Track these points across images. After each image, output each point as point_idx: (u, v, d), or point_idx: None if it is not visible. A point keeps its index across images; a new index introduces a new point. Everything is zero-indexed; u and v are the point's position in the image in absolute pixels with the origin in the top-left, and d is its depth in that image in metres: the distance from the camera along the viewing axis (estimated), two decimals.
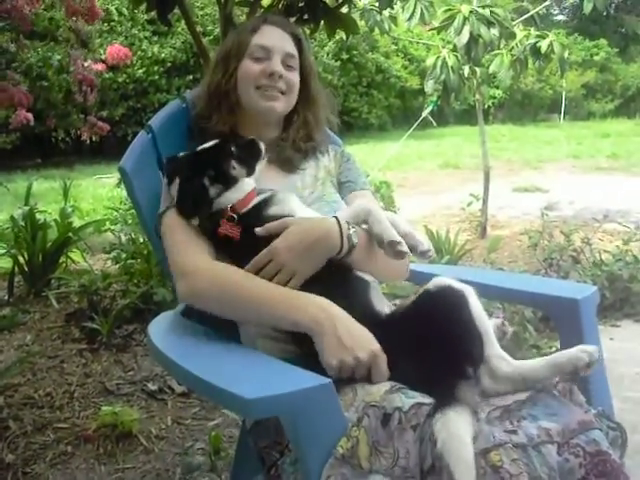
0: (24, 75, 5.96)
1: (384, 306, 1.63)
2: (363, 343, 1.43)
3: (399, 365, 1.42)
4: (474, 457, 1.21)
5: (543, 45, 5.64)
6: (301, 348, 1.51)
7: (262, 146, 1.77)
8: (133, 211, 4.30)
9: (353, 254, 1.62)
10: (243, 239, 1.62)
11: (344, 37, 3.31)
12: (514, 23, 5.80)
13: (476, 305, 1.44)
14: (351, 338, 1.42)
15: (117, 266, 4.51)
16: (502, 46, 5.75)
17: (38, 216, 4.95)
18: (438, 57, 5.52)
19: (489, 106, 23.06)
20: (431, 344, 1.41)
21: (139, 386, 3.33)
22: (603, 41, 28.67)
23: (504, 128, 20.94)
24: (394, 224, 1.68)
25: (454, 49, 5.45)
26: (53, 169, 12.27)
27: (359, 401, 1.36)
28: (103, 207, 7.20)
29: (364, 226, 1.66)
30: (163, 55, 14.81)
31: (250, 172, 1.73)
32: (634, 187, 9.74)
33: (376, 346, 1.43)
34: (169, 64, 14.92)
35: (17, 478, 2.57)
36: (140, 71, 14.54)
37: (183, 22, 3.12)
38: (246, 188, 1.70)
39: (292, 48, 1.89)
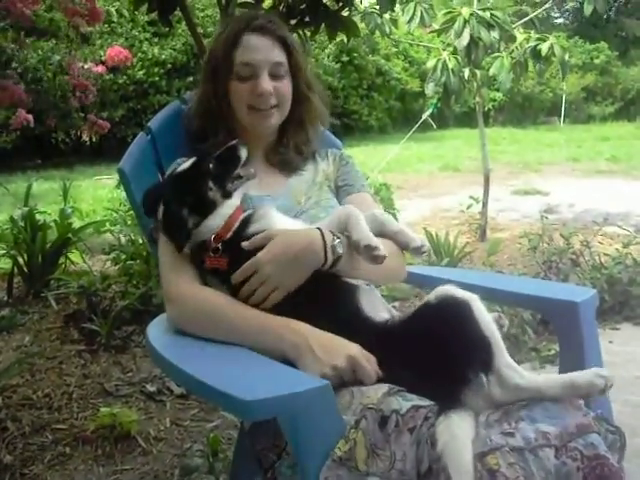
0: (20, 76, 5.95)
1: (379, 310, 1.62)
2: (337, 351, 1.44)
3: (399, 372, 1.42)
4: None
5: (543, 48, 5.64)
6: None
7: (242, 152, 1.72)
8: (132, 212, 4.30)
9: (339, 264, 1.61)
10: (232, 264, 1.60)
11: (345, 39, 3.31)
12: (514, 26, 5.80)
13: (482, 313, 1.42)
14: (324, 351, 1.43)
15: (116, 267, 4.51)
16: (502, 49, 5.76)
17: (38, 217, 4.96)
18: (438, 60, 5.52)
19: (489, 109, 23.05)
20: (434, 353, 1.40)
21: (138, 387, 3.33)
22: (603, 44, 28.66)
23: (504, 131, 20.94)
24: (385, 223, 1.69)
25: (454, 52, 5.45)
26: (53, 170, 12.27)
27: (356, 404, 1.36)
28: (103, 208, 7.20)
29: (346, 233, 1.64)
30: (163, 56, 14.80)
31: (226, 193, 1.68)
32: (634, 190, 9.73)
33: (353, 350, 1.44)
34: (169, 66, 14.90)
35: (15, 479, 2.57)
36: (140, 72, 14.53)
37: (184, 23, 3.13)
38: (226, 212, 1.66)
39: (279, 55, 1.83)
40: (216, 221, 1.64)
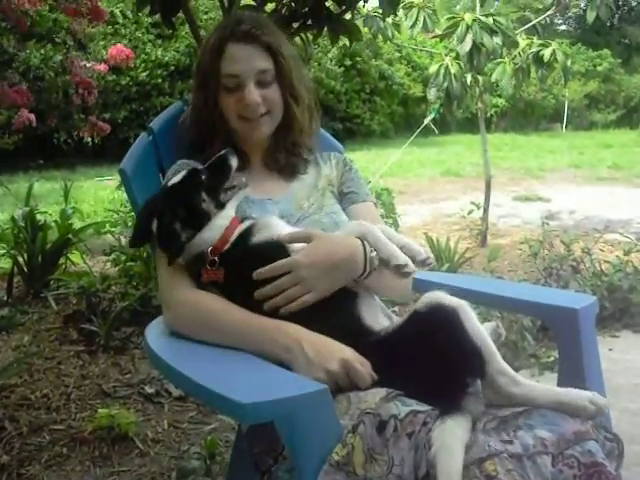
0: (22, 76, 5.96)
1: (378, 316, 1.62)
2: (331, 354, 1.43)
3: (395, 379, 1.41)
4: (469, 467, 1.21)
5: (546, 54, 5.65)
6: None
7: (232, 161, 1.70)
8: (133, 214, 4.30)
9: (371, 276, 1.61)
10: (229, 276, 1.59)
11: (347, 43, 3.31)
12: (517, 32, 5.81)
13: (470, 320, 1.41)
14: (317, 354, 1.43)
15: (116, 268, 4.50)
16: (505, 55, 5.77)
17: (38, 217, 4.96)
18: (441, 65, 5.53)
19: (491, 115, 23.07)
20: (426, 360, 1.39)
21: (136, 389, 3.33)
22: (606, 51, 28.71)
23: (506, 137, 20.97)
24: (390, 238, 1.68)
25: (457, 57, 5.46)
26: (55, 170, 12.29)
27: (354, 409, 1.36)
28: (104, 209, 7.21)
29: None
30: (166, 58, 14.83)
31: (219, 204, 1.66)
32: (635, 198, 9.74)
33: (346, 354, 1.44)
34: (172, 68, 14.93)
35: (12, 479, 2.57)
36: (143, 74, 14.55)
37: (187, 26, 3.12)
38: (221, 223, 1.64)
39: (264, 62, 1.79)
40: (212, 233, 1.62)
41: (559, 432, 1.27)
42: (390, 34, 6.00)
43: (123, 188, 2.08)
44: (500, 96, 20.26)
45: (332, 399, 1.30)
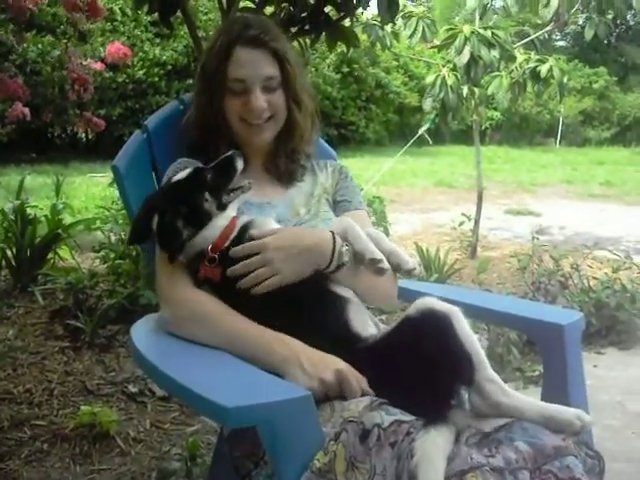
0: (19, 69, 5.93)
1: (367, 324, 1.62)
2: (326, 365, 1.44)
3: (383, 387, 1.41)
4: (450, 479, 1.20)
5: (543, 69, 5.68)
6: None
7: (238, 163, 1.70)
8: (124, 212, 4.29)
9: (341, 272, 1.63)
10: (225, 275, 1.59)
11: (345, 50, 3.32)
12: (515, 46, 5.84)
13: (462, 326, 1.42)
14: (312, 365, 1.44)
15: (105, 266, 4.49)
16: (502, 68, 5.79)
17: (29, 211, 4.93)
18: (438, 75, 5.54)
19: (486, 127, 23.12)
20: (416, 368, 1.39)
21: (120, 387, 3.31)
22: (603, 69, 28.85)
23: (500, 150, 21.03)
24: (378, 242, 1.70)
25: (454, 68, 5.48)
26: (47, 165, 12.24)
27: (337, 417, 1.36)
28: (95, 206, 7.18)
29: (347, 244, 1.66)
30: (164, 57, 14.80)
31: (221, 205, 1.65)
32: (626, 215, 9.79)
33: (340, 365, 1.44)
34: (170, 67, 14.91)
35: None
36: (140, 72, 14.53)
37: (186, 26, 3.12)
38: (222, 223, 1.64)
39: (271, 68, 1.79)
40: (213, 232, 1.62)
41: (538, 446, 1.27)
42: (388, 42, 6.01)
43: (115, 185, 2.08)
44: (495, 109, 20.33)
45: (315, 406, 1.30)
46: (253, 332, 1.53)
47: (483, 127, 21.47)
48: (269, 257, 1.56)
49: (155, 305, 3.56)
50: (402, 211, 9.30)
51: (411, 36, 5.62)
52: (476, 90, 5.87)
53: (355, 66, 19.53)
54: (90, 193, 9.24)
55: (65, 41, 5.54)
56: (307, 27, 2.99)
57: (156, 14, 3.04)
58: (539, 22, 6.23)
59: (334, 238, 1.63)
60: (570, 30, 33.41)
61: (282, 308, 1.56)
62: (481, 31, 5.20)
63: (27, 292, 4.50)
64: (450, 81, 5.47)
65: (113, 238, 4.69)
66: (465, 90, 5.68)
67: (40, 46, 6.77)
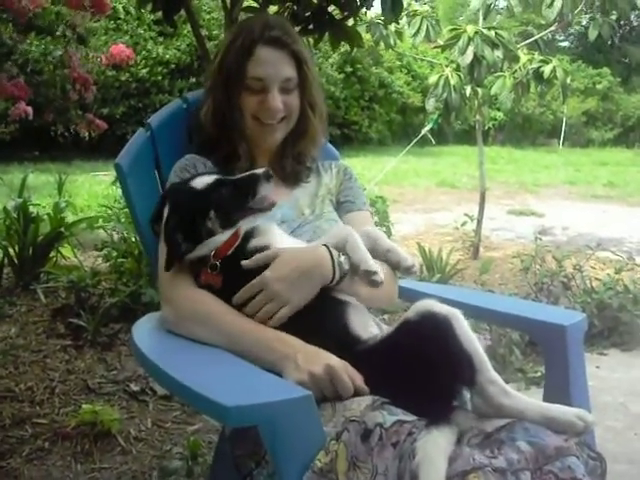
0: (20, 68, 5.91)
1: (368, 326, 1.61)
2: (317, 360, 1.43)
3: (384, 389, 1.41)
4: (452, 479, 1.20)
5: (546, 70, 5.67)
6: None
7: (262, 187, 1.63)
8: (127, 210, 4.29)
9: (344, 281, 1.62)
10: (227, 283, 1.59)
11: (348, 49, 3.31)
12: (519, 46, 5.83)
13: (462, 328, 1.41)
14: (305, 359, 1.43)
15: (107, 264, 4.50)
16: (505, 68, 5.79)
17: (31, 209, 4.94)
18: (441, 75, 5.54)
19: (489, 128, 23.11)
20: (417, 370, 1.39)
21: (121, 386, 3.32)
22: (606, 70, 28.81)
23: (503, 150, 21.02)
24: (377, 240, 1.69)
25: (457, 68, 5.48)
26: (50, 163, 12.24)
27: (338, 416, 1.36)
28: (97, 204, 7.18)
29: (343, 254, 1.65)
30: (167, 56, 14.79)
31: (229, 223, 1.62)
32: (629, 216, 9.78)
33: (332, 361, 1.43)
34: (173, 65, 14.90)
35: None
36: (144, 71, 14.52)
37: (189, 24, 3.12)
38: (224, 238, 1.62)
39: (290, 70, 1.81)
40: (214, 244, 1.61)
41: (540, 446, 1.27)
42: (392, 42, 6.01)
43: (118, 183, 2.08)
44: (499, 109, 20.30)
45: (316, 406, 1.29)
46: (254, 331, 1.53)
47: (486, 127, 21.46)
48: (273, 291, 1.55)
49: (157, 304, 3.54)
50: (405, 211, 9.29)
51: (415, 35, 5.63)
52: (479, 90, 5.86)
53: (358, 66, 19.52)
54: (93, 191, 9.24)
55: (65, 42, 5.53)
56: (310, 26, 2.98)
57: (160, 13, 3.04)
58: (543, 22, 6.22)
59: (330, 251, 1.61)
60: (574, 30, 33.39)
61: None
62: (485, 31, 5.20)
63: (29, 290, 4.51)
64: (453, 81, 5.46)
65: (115, 236, 4.69)
66: (468, 90, 5.67)
67: (43, 46, 6.75)
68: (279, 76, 1.79)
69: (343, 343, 1.51)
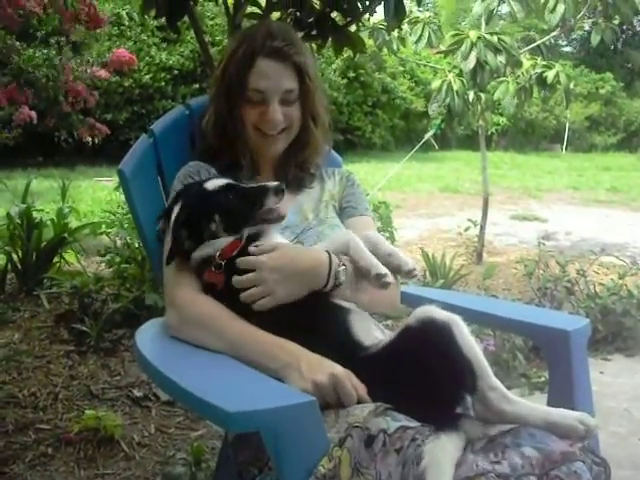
0: (14, 77, 5.91)
1: (370, 331, 1.60)
2: (321, 368, 1.43)
3: (387, 396, 1.40)
4: None
5: (549, 75, 5.67)
6: None
7: (269, 200, 1.64)
8: (130, 216, 4.30)
9: (338, 290, 1.62)
10: (229, 284, 1.58)
11: (351, 55, 3.31)
12: (521, 52, 5.84)
13: (462, 334, 1.40)
14: (308, 368, 1.43)
15: (110, 270, 4.49)
16: (508, 74, 5.79)
17: (35, 215, 4.95)
18: (444, 81, 5.54)
19: (492, 133, 23.12)
20: (418, 377, 1.38)
21: (124, 392, 3.31)
22: (609, 75, 28.82)
23: (506, 155, 21.04)
24: (377, 245, 1.69)
25: (460, 74, 5.48)
26: (53, 168, 12.28)
27: (341, 422, 1.35)
28: (101, 210, 7.19)
29: (345, 258, 1.65)
30: (171, 62, 14.84)
31: (233, 229, 1.63)
32: (632, 221, 9.77)
33: (336, 369, 1.43)
34: (176, 71, 14.95)
35: None
36: (147, 77, 14.56)
37: (193, 31, 3.12)
38: (227, 241, 1.62)
39: (291, 82, 1.80)
40: (218, 245, 1.62)
41: (546, 452, 1.26)
42: (395, 48, 6.02)
43: (121, 189, 2.08)
44: (502, 115, 20.30)
45: (319, 412, 1.29)
46: (256, 338, 1.52)
47: (489, 132, 21.49)
48: (263, 277, 1.55)
49: (160, 309, 3.56)
50: (408, 216, 9.30)
51: (417, 41, 5.64)
52: (482, 95, 5.87)
53: (361, 71, 19.56)
54: (96, 197, 9.26)
55: (59, 51, 5.54)
56: (314, 32, 2.98)
57: (163, 19, 3.04)
58: (545, 27, 6.24)
59: (330, 259, 1.62)
60: (576, 35, 33.43)
61: (283, 320, 1.55)
62: (487, 36, 5.20)
63: (33, 296, 4.51)
64: (456, 86, 5.47)
65: (119, 242, 4.69)
66: (471, 95, 5.68)
67: (37, 54, 6.77)
68: (280, 88, 1.79)
69: (345, 350, 1.50)
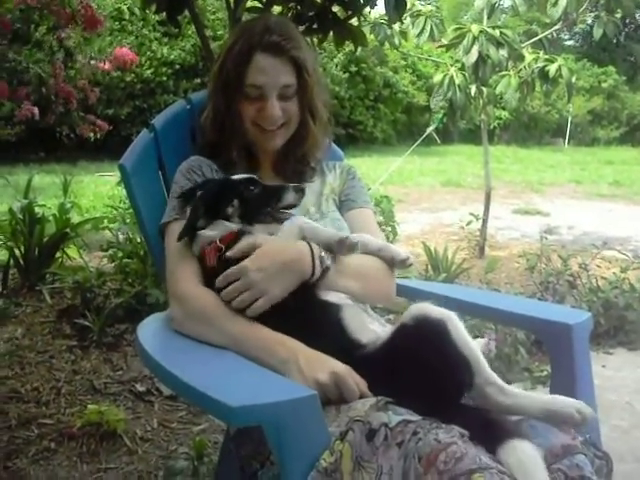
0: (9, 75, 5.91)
1: (365, 326, 1.59)
2: (321, 366, 1.43)
3: (386, 395, 1.40)
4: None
5: (551, 69, 5.66)
6: None
7: (287, 197, 1.69)
8: (132, 210, 4.30)
9: (327, 277, 1.62)
10: (220, 267, 1.59)
11: (353, 49, 3.31)
12: (523, 45, 5.82)
13: (458, 330, 1.41)
14: (309, 366, 1.43)
15: (113, 265, 4.50)
16: (510, 67, 5.77)
17: (37, 210, 4.96)
18: (446, 75, 5.53)
19: (494, 127, 23.07)
20: (416, 375, 1.38)
21: (127, 386, 3.32)
22: (611, 68, 28.75)
23: (508, 149, 21.00)
24: (365, 244, 1.71)
25: (462, 68, 5.47)
26: (55, 164, 12.28)
27: (343, 416, 1.35)
28: (103, 205, 7.21)
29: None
30: (172, 57, 14.84)
31: (247, 218, 1.67)
32: (635, 215, 9.76)
33: (338, 367, 1.43)
34: (178, 66, 14.95)
35: None
36: (148, 71, 14.57)
37: (194, 25, 3.12)
38: (234, 227, 1.65)
39: (288, 77, 1.79)
40: (229, 226, 1.64)
41: (547, 445, 1.27)
42: (397, 42, 6.01)
43: (122, 184, 2.08)
44: (504, 109, 20.26)
45: (321, 406, 1.29)
46: (257, 334, 1.52)
47: (491, 127, 21.43)
48: (251, 280, 1.54)
49: (163, 304, 3.57)
50: (410, 210, 9.29)
51: (419, 35, 5.62)
52: (484, 89, 5.85)
53: (363, 65, 19.53)
54: (98, 192, 9.27)
55: (49, 57, 5.53)
56: (315, 26, 2.98)
57: (164, 13, 3.04)
58: (547, 21, 6.20)
59: (310, 245, 1.61)
60: (579, 29, 33.35)
61: (277, 321, 1.54)
62: (489, 30, 5.19)
63: (35, 291, 4.52)
64: (458, 80, 5.46)
65: (121, 237, 4.70)
66: (473, 89, 5.66)
67: (30, 55, 6.76)
68: (277, 83, 1.78)
69: (343, 350, 1.50)
